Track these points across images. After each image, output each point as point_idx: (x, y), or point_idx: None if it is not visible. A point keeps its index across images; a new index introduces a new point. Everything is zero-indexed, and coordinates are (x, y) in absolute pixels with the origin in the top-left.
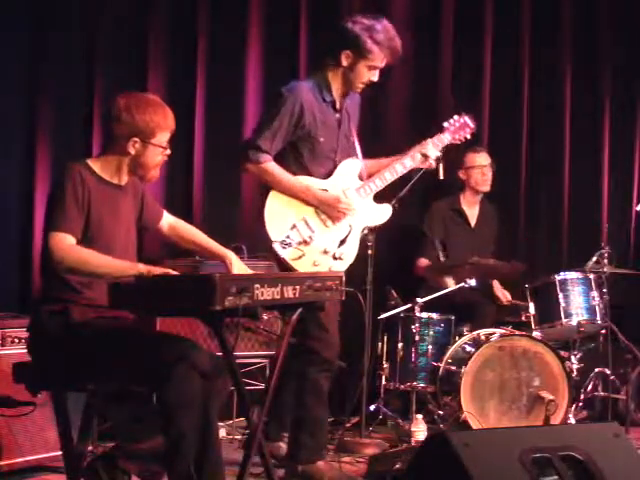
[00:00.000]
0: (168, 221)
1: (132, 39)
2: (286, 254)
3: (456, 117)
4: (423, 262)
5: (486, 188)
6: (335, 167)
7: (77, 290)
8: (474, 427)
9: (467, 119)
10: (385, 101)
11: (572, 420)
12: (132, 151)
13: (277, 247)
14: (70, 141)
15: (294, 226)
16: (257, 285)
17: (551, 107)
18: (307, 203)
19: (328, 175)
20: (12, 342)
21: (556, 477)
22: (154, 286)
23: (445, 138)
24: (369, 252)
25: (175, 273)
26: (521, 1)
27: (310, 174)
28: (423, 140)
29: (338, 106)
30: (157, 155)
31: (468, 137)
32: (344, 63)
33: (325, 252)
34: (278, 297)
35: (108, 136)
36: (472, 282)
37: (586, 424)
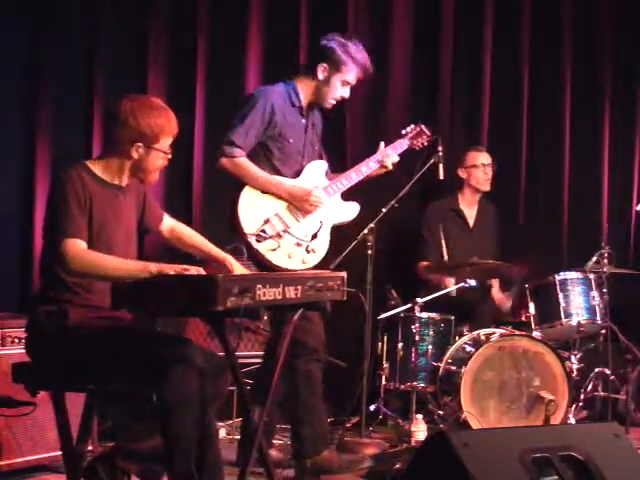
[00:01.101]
0: (168, 224)
1: (132, 39)
2: (261, 247)
3: (413, 126)
4: (424, 264)
5: (486, 187)
6: (302, 169)
7: (74, 291)
8: (474, 427)
9: (423, 127)
10: (385, 99)
11: (572, 420)
12: (135, 155)
13: (252, 240)
14: (70, 141)
15: (267, 220)
16: (259, 285)
17: (551, 107)
18: (279, 198)
19: (296, 176)
20: (12, 342)
21: (556, 477)
22: (156, 287)
23: (404, 143)
24: (369, 252)
25: (193, 270)
26: (521, 1)
27: (280, 174)
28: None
29: (304, 112)
30: (159, 159)
31: (426, 144)
32: (320, 77)
33: (299, 245)
34: (280, 297)
35: (111, 139)
36: (472, 282)
37: (586, 424)
